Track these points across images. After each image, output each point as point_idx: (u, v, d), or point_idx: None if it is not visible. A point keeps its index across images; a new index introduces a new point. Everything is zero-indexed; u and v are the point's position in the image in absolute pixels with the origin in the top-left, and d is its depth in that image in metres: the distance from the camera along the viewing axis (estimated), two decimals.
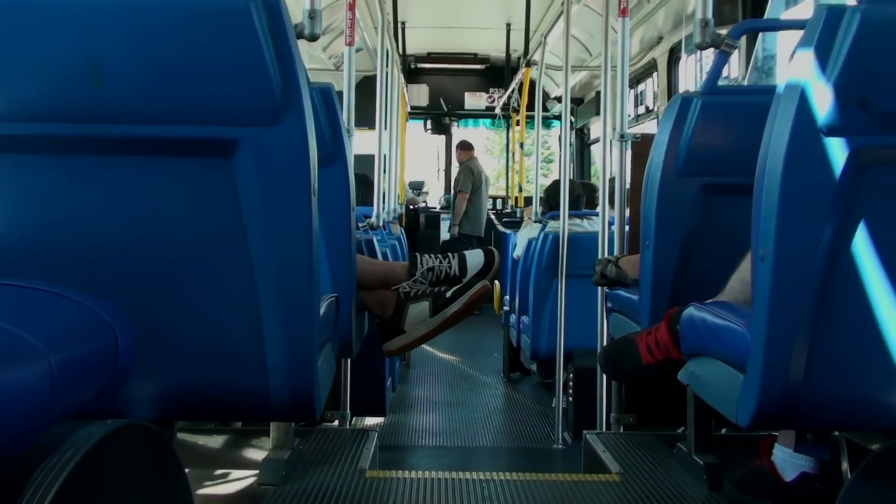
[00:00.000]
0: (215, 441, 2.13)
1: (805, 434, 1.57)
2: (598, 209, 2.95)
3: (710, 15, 2.01)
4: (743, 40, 3.21)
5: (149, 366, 1.18)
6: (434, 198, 9.83)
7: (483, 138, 13.31)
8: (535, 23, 6.84)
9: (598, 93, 7.22)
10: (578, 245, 3.45)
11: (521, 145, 7.84)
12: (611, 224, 2.83)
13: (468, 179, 7.72)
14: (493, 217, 8.18)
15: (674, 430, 2.34)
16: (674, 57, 4.93)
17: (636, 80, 5.69)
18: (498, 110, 8.83)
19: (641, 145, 2.64)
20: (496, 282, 5.28)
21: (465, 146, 8.10)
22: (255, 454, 2.01)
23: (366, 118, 4.50)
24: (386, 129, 4.71)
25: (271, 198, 1.30)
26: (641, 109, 5.78)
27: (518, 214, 7.57)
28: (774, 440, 1.62)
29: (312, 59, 6.61)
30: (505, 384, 5.06)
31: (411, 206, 8.59)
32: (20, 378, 0.73)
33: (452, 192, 8.04)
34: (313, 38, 1.60)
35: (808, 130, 1.28)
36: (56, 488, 0.74)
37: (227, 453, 2.05)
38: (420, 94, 8.87)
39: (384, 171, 4.42)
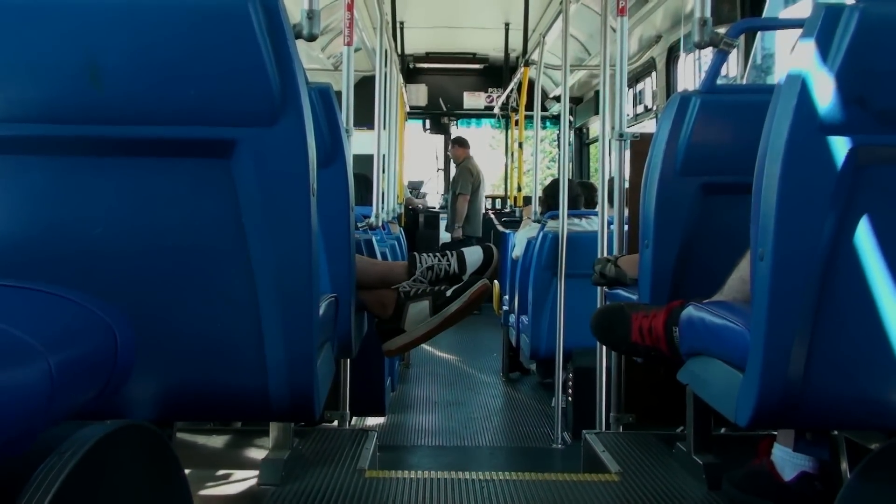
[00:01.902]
0: (215, 441, 2.13)
1: (804, 433, 1.57)
2: (597, 208, 2.95)
3: (708, 14, 2.01)
4: (741, 39, 3.21)
5: (148, 366, 1.18)
6: (432, 198, 9.81)
7: (488, 137, 13.24)
8: (533, 22, 6.84)
9: (596, 92, 7.22)
10: (578, 244, 3.45)
11: (521, 145, 7.84)
12: (610, 223, 2.83)
13: (468, 181, 7.65)
14: (492, 217, 8.17)
15: (673, 430, 2.34)
16: (672, 56, 4.93)
17: (635, 79, 5.69)
18: (497, 110, 8.83)
19: (640, 144, 2.64)
20: (495, 281, 5.28)
21: (462, 143, 7.97)
22: (255, 454, 2.01)
23: (365, 118, 4.50)
24: (385, 129, 4.71)
25: (270, 198, 1.30)
26: (640, 108, 5.77)
27: (517, 214, 7.57)
28: (774, 440, 1.62)
29: (311, 59, 6.61)
30: (504, 384, 5.06)
31: (410, 206, 8.57)
32: (19, 379, 0.73)
33: (451, 193, 7.96)
34: (312, 38, 1.60)
35: (806, 129, 1.28)
36: (55, 489, 0.74)
37: (226, 453, 2.05)
38: (419, 94, 8.87)
39: (383, 171, 4.42)
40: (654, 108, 5.34)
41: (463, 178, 7.68)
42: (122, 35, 1.26)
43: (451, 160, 8.11)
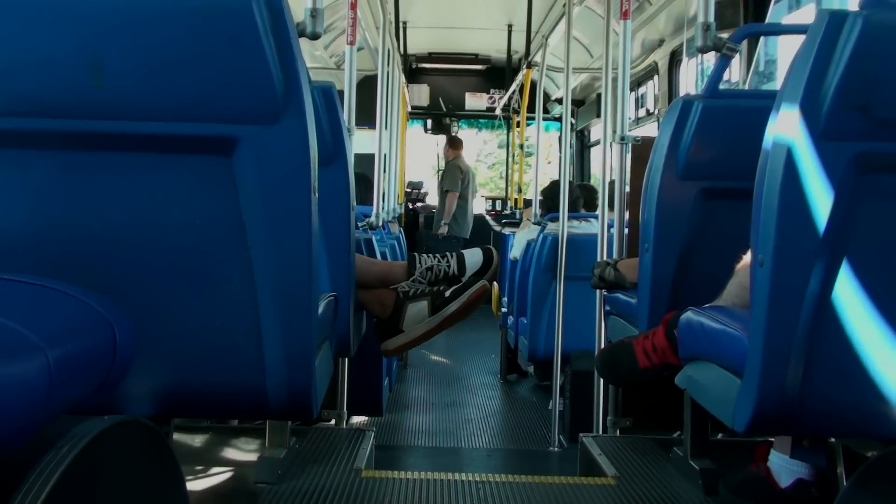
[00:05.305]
0: (212, 438, 2.13)
1: (801, 440, 1.57)
2: (598, 211, 2.96)
3: (711, 18, 2.01)
4: (744, 44, 3.21)
5: (146, 362, 1.18)
6: (432, 199, 9.79)
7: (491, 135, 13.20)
8: (536, 24, 6.83)
9: (598, 95, 7.21)
10: (577, 247, 3.45)
11: (522, 146, 7.83)
12: (610, 227, 2.83)
13: (456, 178, 7.60)
14: (489, 219, 8.16)
15: (670, 435, 2.34)
16: (675, 60, 4.93)
17: (637, 83, 5.68)
18: (498, 111, 8.83)
19: (642, 148, 2.64)
20: (494, 283, 5.28)
21: (455, 143, 7.96)
22: (252, 452, 2.01)
23: (366, 117, 4.50)
24: (386, 128, 4.71)
25: (271, 196, 1.30)
26: (642, 112, 5.77)
27: (518, 216, 7.55)
28: (771, 446, 1.62)
29: (314, 57, 6.61)
30: (502, 386, 5.06)
31: (410, 206, 8.56)
32: (18, 373, 0.73)
33: (440, 191, 7.90)
34: (315, 36, 1.61)
35: (808, 135, 1.28)
36: (52, 483, 0.74)
37: (223, 451, 2.05)
38: (421, 94, 8.85)
39: (384, 171, 4.42)
40: (656, 112, 5.34)
41: (451, 175, 7.61)
42: (125, 31, 1.26)
43: (444, 158, 8.05)
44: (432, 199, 9.71)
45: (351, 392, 2.52)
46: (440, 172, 8.01)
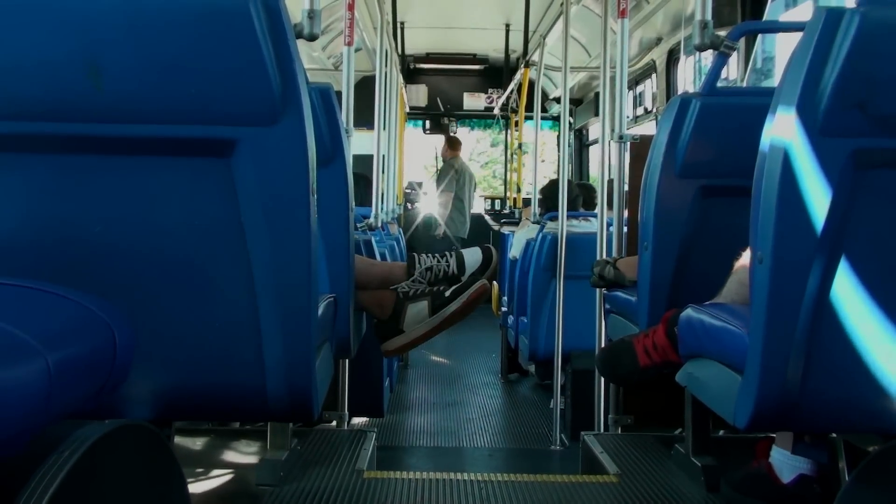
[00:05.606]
0: (213, 441, 2.13)
1: (803, 436, 1.57)
2: (597, 210, 2.96)
3: (709, 16, 2.01)
4: (742, 42, 3.21)
5: (147, 366, 1.18)
6: (429, 199, 9.77)
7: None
8: (534, 23, 6.83)
9: (596, 94, 7.21)
10: (577, 246, 3.45)
11: (520, 146, 7.83)
12: (609, 225, 2.84)
13: (452, 178, 7.61)
14: (489, 218, 8.15)
15: (672, 432, 2.34)
16: (673, 58, 4.92)
17: (635, 82, 5.68)
18: (497, 111, 8.82)
19: (640, 146, 2.65)
20: (494, 282, 5.28)
21: (453, 143, 7.98)
22: (253, 455, 2.01)
23: (365, 118, 4.50)
24: (384, 129, 4.71)
25: (270, 198, 1.30)
26: (640, 110, 5.77)
27: (516, 215, 7.55)
28: (772, 442, 1.62)
29: (311, 59, 6.61)
30: (503, 385, 5.06)
31: (409, 206, 8.56)
32: (17, 377, 0.73)
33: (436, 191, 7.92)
34: (312, 38, 1.61)
35: (806, 132, 1.28)
36: (54, 488, 0.74)
37: (224, 454, 2.05)
38: (419, 95, 8.84)
39: (382, 172, 4.42)
40: (654, 110, 5.33)
41: (444, 175, 7.62)
42: (123, 34, 1.26)
43: (441, 157, 8.09)
44: (430, 200, 9.70)
45: (352, 393, 2.52)
46: (436, 172, 8.04)
